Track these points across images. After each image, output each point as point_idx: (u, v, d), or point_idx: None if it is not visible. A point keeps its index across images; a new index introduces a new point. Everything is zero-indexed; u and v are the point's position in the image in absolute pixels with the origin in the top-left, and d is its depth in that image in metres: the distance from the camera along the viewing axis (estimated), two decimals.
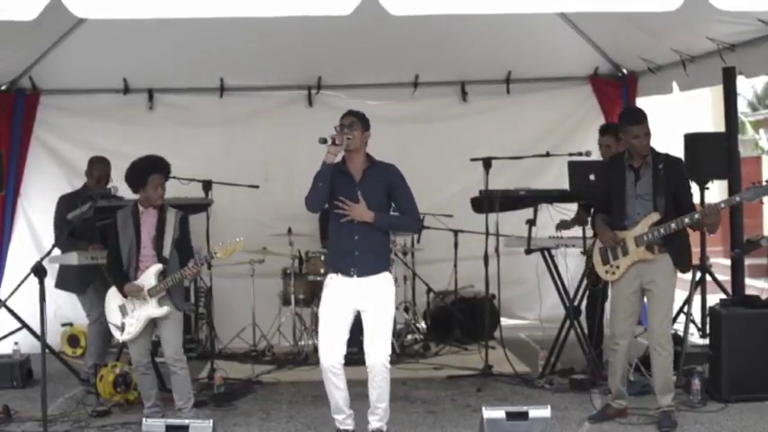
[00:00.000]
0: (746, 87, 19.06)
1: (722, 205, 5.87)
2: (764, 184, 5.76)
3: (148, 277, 6.09)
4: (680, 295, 7.68)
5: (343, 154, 5.61)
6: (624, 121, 6.12)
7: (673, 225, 5.83)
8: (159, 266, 6.11)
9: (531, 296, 8.85)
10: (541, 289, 7.90)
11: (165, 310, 6.08)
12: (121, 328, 6.14)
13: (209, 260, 6.15)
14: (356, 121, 5.59)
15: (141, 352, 6.19)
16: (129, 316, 6.12)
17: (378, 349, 5.53)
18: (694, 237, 6.30)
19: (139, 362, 6.17)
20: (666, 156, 6.04)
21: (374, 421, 5.65)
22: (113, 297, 6.22)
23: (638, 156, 6.01)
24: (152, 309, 6.08)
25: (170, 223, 6.20)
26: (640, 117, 6.03)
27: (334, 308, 5.58)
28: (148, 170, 6.17)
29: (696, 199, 7.11)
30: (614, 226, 6.07)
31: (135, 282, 6.10)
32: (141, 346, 6.19)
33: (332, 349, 5.56)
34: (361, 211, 5.52)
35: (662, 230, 5.85)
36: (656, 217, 5.90)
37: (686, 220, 5.81)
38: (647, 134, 5.97)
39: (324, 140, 5.43)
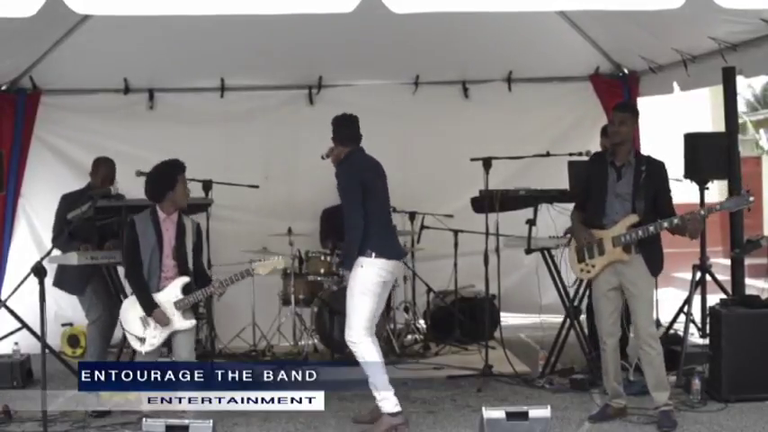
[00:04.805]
0: (745, 88, 19.06)
1: (702, 212, 5.89)
2: (743, 193, 5.82)
3: (174, 290, 5.99)
4: (680, 295, 7.70)
5: None
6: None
7: (651, 228, 5.82)
8: (186, 279, 6.02)
9: (530, 296, 8.84)
10: (541, 289, 7.90)
11: (192, 323, 6.04)
12: (143, 341, 6.03)
13: (245, 277, 6.07)
14: (334, 139, 6.12)
15: None
16: (151, 328, 6.01)
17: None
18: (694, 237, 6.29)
19: None
20: (649, 158, 6.06)
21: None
22: (134, 308, 6.06)
23: (620, 154, 6.01)
24: (178, 322, 5.99)
25: (188, 232, 6.10)
26: (624, 106, 6.21)
27: None
28: (177, 170, 6.01)
29: (696, 199, 7.11)
30: (592, 223, 6.07)
31: (160, 292, 5.98)
32: (154, 358, 6.10)
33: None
34: None
35: (640, 233, 5.84)
36: (634, 219, 5.90)
37: (665, 224, 5.81)
38: (622, 124, 5.97)
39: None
